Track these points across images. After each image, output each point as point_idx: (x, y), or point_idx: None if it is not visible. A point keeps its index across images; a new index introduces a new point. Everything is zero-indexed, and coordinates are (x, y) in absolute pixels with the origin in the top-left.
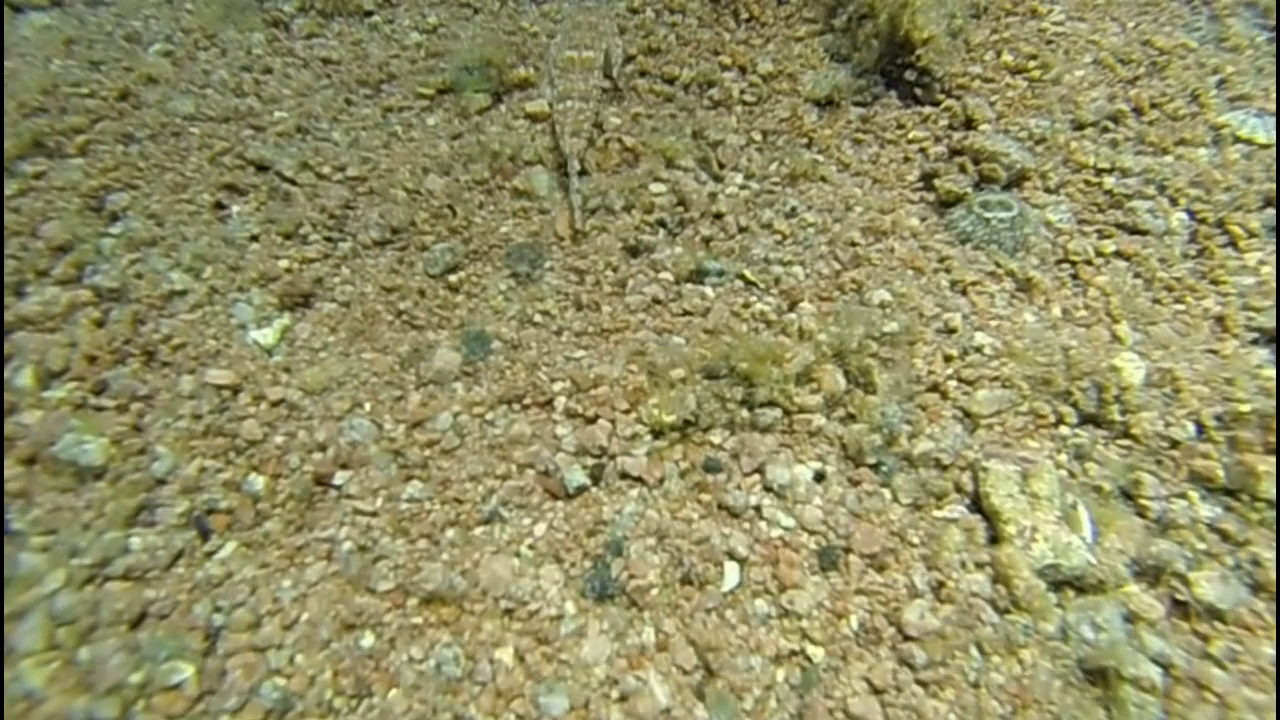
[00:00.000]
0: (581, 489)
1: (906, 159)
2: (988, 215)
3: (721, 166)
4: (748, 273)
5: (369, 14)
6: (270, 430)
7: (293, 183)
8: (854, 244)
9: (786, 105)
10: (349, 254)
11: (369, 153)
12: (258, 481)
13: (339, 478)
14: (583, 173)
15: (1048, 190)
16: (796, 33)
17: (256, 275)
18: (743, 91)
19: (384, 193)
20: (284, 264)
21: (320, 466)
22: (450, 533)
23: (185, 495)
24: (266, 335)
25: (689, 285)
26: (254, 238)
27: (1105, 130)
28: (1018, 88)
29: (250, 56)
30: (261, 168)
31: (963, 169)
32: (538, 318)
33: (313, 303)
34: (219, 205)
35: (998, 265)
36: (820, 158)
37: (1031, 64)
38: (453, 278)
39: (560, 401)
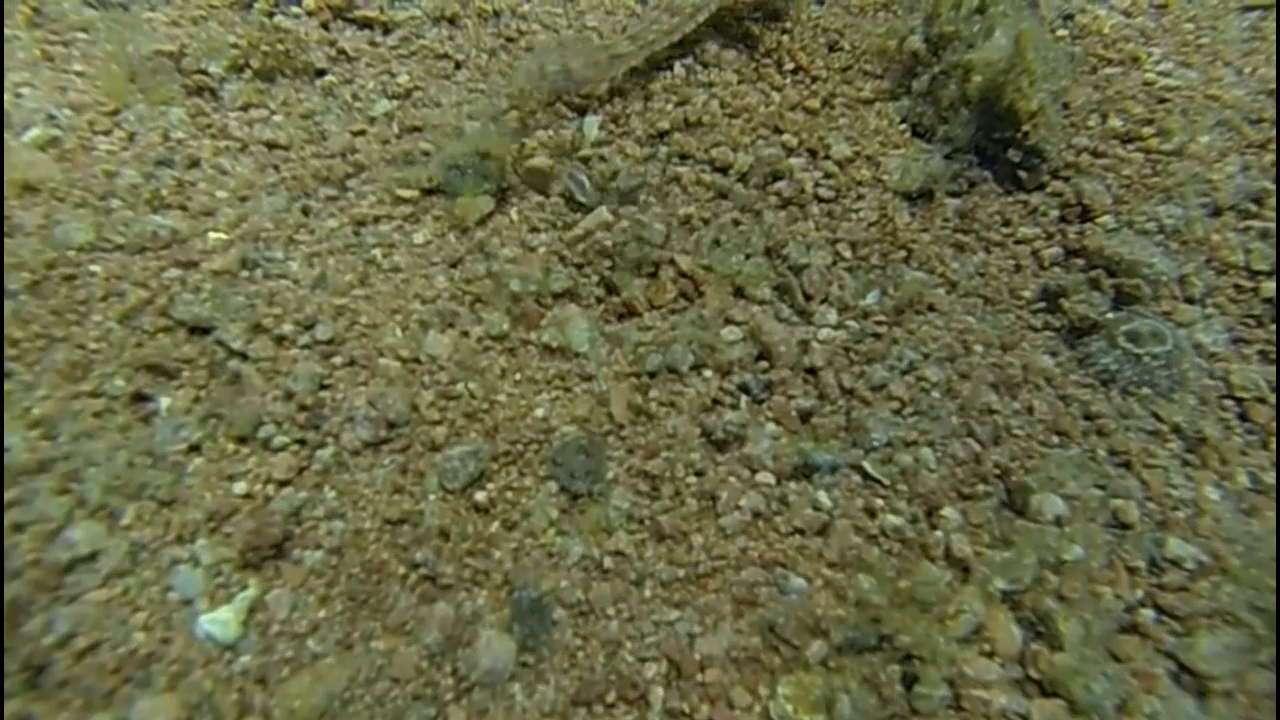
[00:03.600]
0: None
1: (1018, 267)
2: (1139, 351)
3: (808, 298)
4: (867, 465)
5: (321, 73)
6: None
7: (243, 356)
8: (989, 409)
9: (874, 202)
10: (332, 465)
11: (342, 297)
12: None
13: None
14: (631, 315)
15: (1190, 300)
16: (860, 91)
17: (203, 515)
18: (817, 185)
19: (370, 363)
20: (241, 489)
21: None
22: None
23: None
24: (226, 621)
25: (794, 487)
26: (194, 448)
27: (1248, 215)
28: (1134, 163)
29: (168, 143)
30: (197, 331)
31: (1095, 285)
32: (608, 561)
33: (289, 552)
34: (139, 397)
35: (1159, 419)
36: (923, 275)
37: (1147, 130)
38: (480, 495)
39: (656, 696)
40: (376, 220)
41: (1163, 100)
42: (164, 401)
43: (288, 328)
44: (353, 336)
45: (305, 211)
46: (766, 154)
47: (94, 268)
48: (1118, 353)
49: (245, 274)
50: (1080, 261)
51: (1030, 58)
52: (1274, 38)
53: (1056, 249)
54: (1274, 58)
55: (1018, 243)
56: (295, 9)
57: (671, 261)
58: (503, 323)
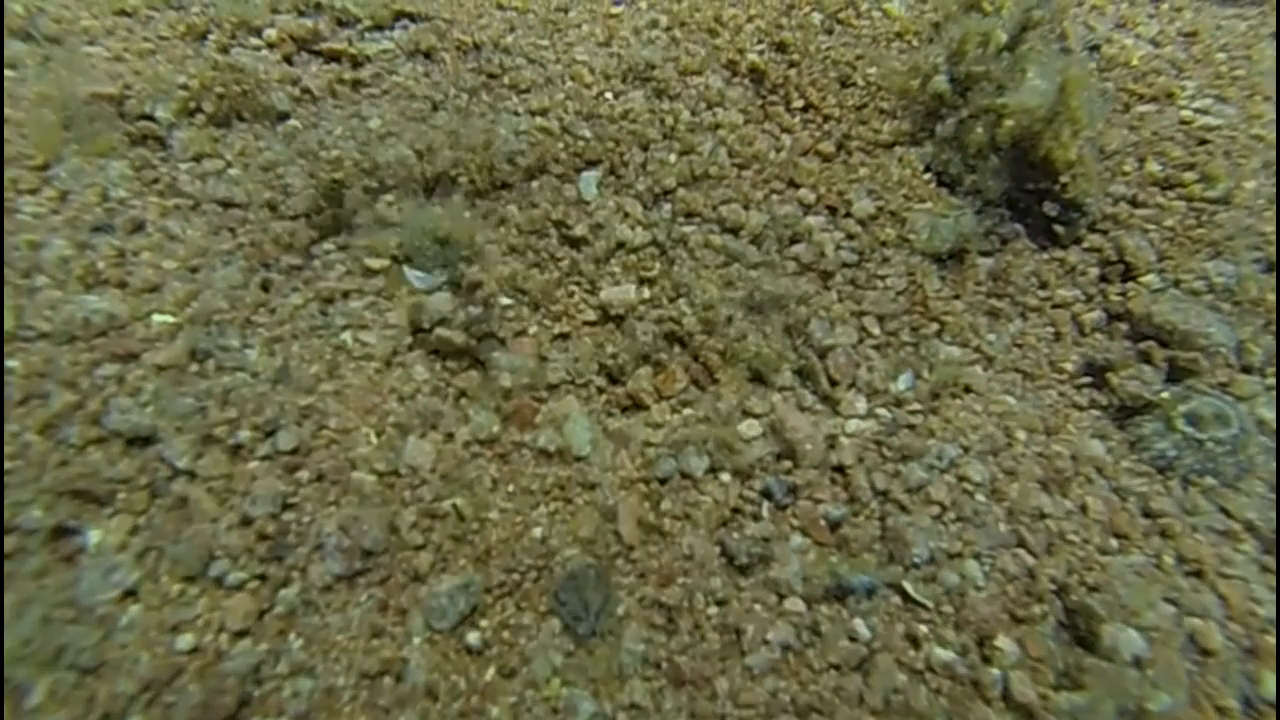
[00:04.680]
0: None
1: (1058, 335)
2: (1200, 436)
3: (834, 383)
4: (907, 585)
5: (283, 116)
6: None
7: (190, 474)
8: (1040, 513)
9: (900, 266)
10: (298, 606)
11: (308, 394)
12: None
13: None
14: (637, 408)
15: (1248, 370)
16: (878, 133)
17: (138, 685)
18: (839, 247)
19: (342, 478)
20: (187, 643)
21: None
22: None
23: None
24: None
25: (827, 613)
26: (129, 593)
27: None
28: (1176, 212)
29: (107, 204)
30: (136, 444)
31: (1146, 358)
32: (622, 718)
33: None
34: (62, 531)
35: (1228, 514)
36: (958, 351)
37: (1188, 176)
38: (473, 636)
39: None
40: (346, 296)
41: (1203, 141)
42: (93, 536)
43: (245, 435)
44: (321, 445)
45: (265, 286)
46: (782, 213)
47: (11, 363)
48: (1176, 437)
49: (195, 367)
50: (1124, 326)
51: (1076, 105)
52: None
53: (1098, 313)
54: None
55: (1055, 306)
56: (255, 41)
57: (681, 343)
58: (492, 423)
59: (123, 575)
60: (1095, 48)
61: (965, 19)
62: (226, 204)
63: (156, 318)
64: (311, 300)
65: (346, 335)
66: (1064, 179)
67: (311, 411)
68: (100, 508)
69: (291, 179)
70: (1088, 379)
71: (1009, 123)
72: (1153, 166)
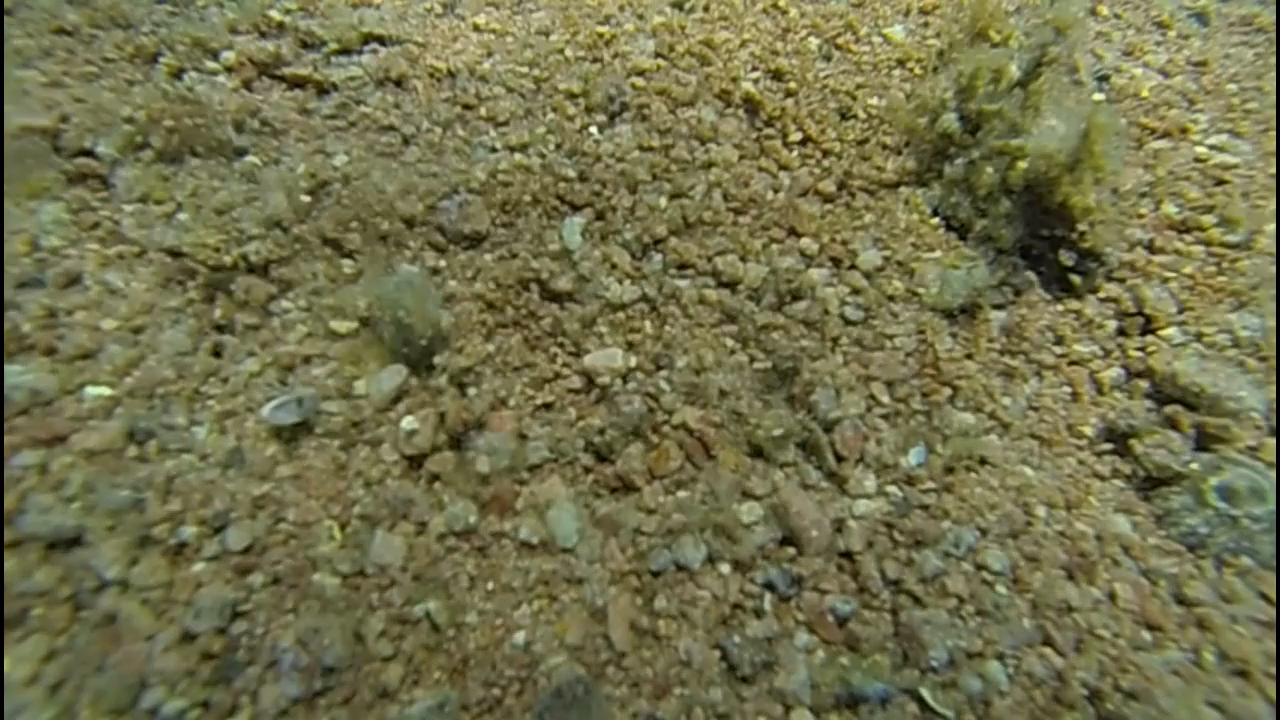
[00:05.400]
0: None
1: (1075, 395)
2: (1235, 513)
3: (840, 459)
4: (925, 692)
5: (240, 152)
6: None
7: (123, 584)
8: (1066, 605)
9: (910, 324)
10: None
11: (263, 481)
12: None
13: None
14: (628, 490)
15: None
16: (881, 171)
17: None
18: (843, 303)
19: (300, 581)
20: None
21: None
22: None
23: None
24: None
25: None
26: None
27: None
28: (1196, 259)
29: (37, 253)
30: (58, 549)
31: (1172, 423)
32: None
33: None
34: None
35: (1270, 601)
36: (972, 418)
37: (1207, 219)
38: None
39: None
40: (308, 361)
41: (1220, 182)
42: None
43: (189, 532)
44: (277, 541)
45: (217, 350)
46: (783, 265)
47: None
48: (1208, 513)
49: (133, 451)
50: (1145, 384)
51: (1100, 152)
52: None
53: (1117, 370)
54: None
55: (1072, 364)
56: (211, 65)
57: (670, 416)
58: (469, 512)
59: (30, 717)
60: (1105, 78)
61: (974, 52)
62: (175, 253)
63: (90, 390)
64: (269, 366)
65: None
66: (1081, 227)
67: (267, 501)
68: (9, 630)
69: (249, 224)
70: (1109, 445)
71: (1022, 165)
72: (1169, 208)
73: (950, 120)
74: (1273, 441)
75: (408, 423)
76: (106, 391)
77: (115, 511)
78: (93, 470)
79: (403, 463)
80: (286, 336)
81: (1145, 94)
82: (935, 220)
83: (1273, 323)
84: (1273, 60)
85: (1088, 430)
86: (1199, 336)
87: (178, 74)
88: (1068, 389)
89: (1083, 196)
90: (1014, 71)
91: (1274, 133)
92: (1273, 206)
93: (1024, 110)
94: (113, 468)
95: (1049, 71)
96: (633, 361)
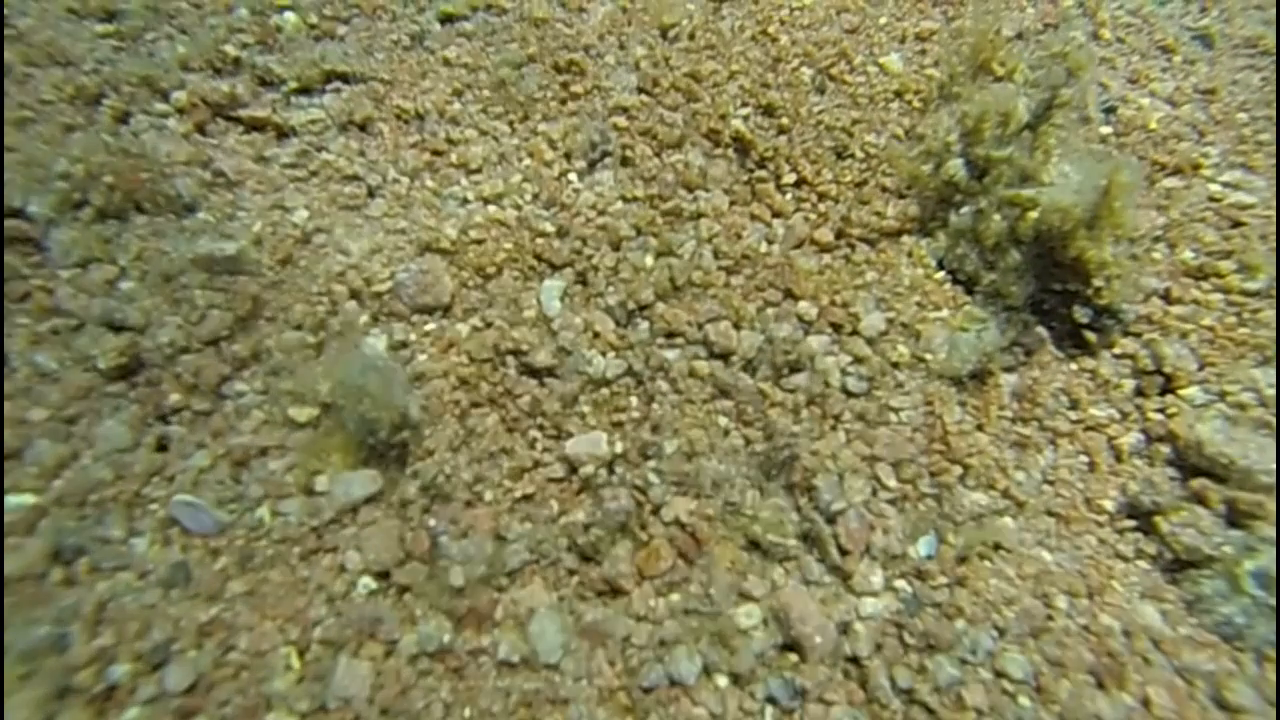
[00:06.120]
0: None
1: (1092, 465)
2: (1274, 602)
3: (844, 553)
4: None
5: (191, 209)
6: None
7: None
8: (1097, 718)
9: (916, 394)
10: None
11: (211, 602)
12: None
13: None
14: (615, 594)
15: None
16: (882, 217)
17: None
18: (845, 373)
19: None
20: None
21: None
22: None
23: None
24: None
25: None
26: None
27: None
28: (1215, 309)
29: None
30: None
31: (1200, 499)
32: None
33: None
34: None
35: None
36: (984, 498)
37: (1224, 265)
38: None
39: None
40: (264, 454)
41: (1237, 223)
42: None
43: (121, 672)
44: (225, 676)
45: (162, 444)
46: (780, 334)
47: None
48: (1244, 601)
49: (58, 574)
50: (1165, 449)
51: (1121, 208)
52: None
53: (1136, 435)
54: None
55: (1089, 429)
56: (160, 106)
57: (658, 510)
58: (443, 631)
59: None
60: (1112, 109)
61: (978, 88)
62: (118, 326)
63: (11, 500)
64: (221, 460)
65: (264, 510)
66: (1097, 282)
67: (216, 627)
68: None
69: (200, 291)
70: (1132, 522)
71: (1033, 215)
72: (1185, 254)
73: (956, 167)
74: None
75: (375, 530)
76: (30, 500)
77: (30, 655)
78: (13, 600)
79: (369, 575)
80: (240, 425)
81: (1154, 126)
82: (940, 274)
83: None
84: None
85: (1107, 504)
86: (1222, 395)
87: (123, 118)
88: (1084, 458)
89: (1099, 250)
90: (1023, 114)
91: None
92: None
93: (1033, 153)
94: (32, 597)
95: (1060, 114)
96: (618, 448)
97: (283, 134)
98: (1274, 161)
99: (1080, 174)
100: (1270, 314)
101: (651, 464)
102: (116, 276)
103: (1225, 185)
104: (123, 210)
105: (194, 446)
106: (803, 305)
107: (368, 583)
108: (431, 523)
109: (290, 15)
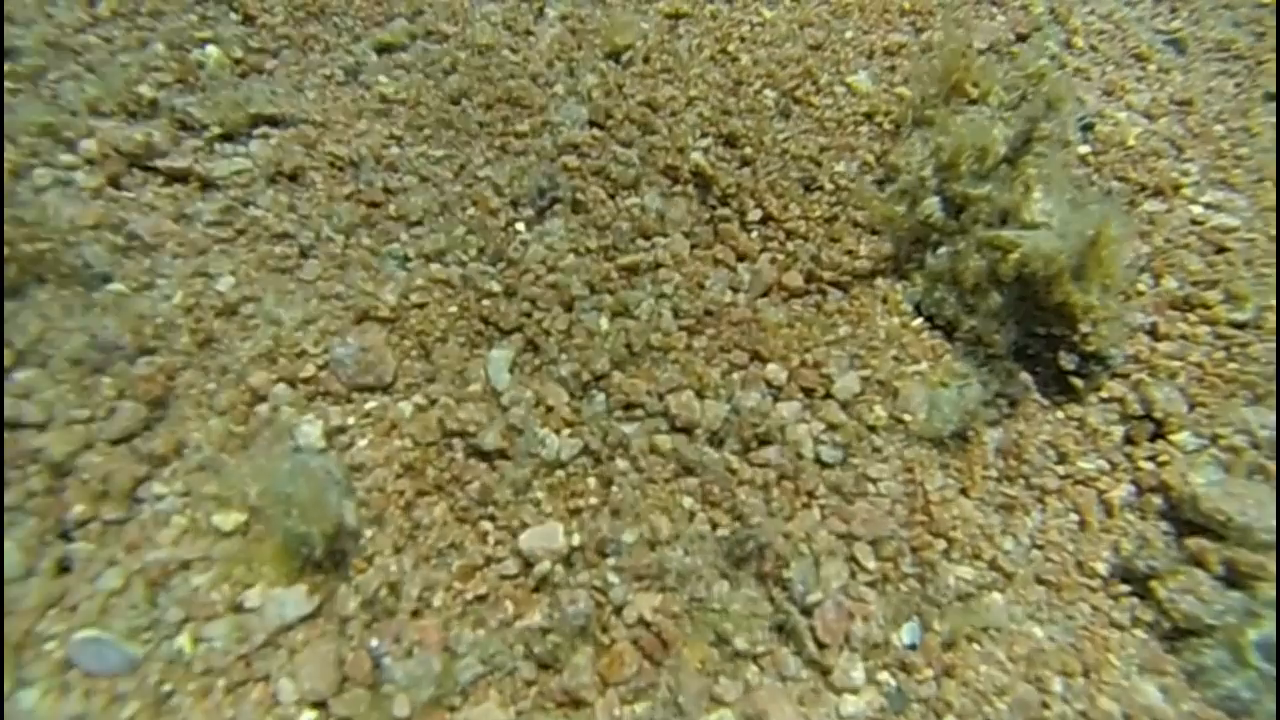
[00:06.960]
0: None
1: (1083, 523)
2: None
3: (822, 645)
4: None
5: (105, 279)
6: None
7: None
8: None
9: (895, 461)
10: None
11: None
12: None
13: None
14: (577, 706)
15: None
16: (855, 257)
17: None
18: (818, 443)
19: None
20: None
21: None
22: None
23: None
24: None
25: None
26: None
27: None
28: (1203, 343)
29: None
30: None
31: (1198, 561)
32: None
33: None
34: None
35: None
36: (970, 572)
37: (1211, 295)
38: None
39: None
40: (185, 568)
41: (1221, 249)
42: None
43: None
44: None
45: (64, 566)
46: (747, 404)
47: None
48: (1250, 674)
49: None
50: (1158, 500)
51: (1107, 255)
52: None
53: (1126, 487)
54: None
55: (1078, 483)
56: (67, 158)
57: (620, 610)
58: None
59: None
60: (1089, 126)
61: (951, 114)
62: (12, 424)
63: None
64: (135, 579)
65: (184, 638)
66: (1084, 328)
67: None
68: None
69: (105, 383)
70: (1126, 587)
71: (1014, 257)
72: (1170, 284)
73: (932, 206)
74: None
75: (310, 654)
76: None
77: None
78: None
79: (305, 705)
80: (158, 536)
81: (1131, 142)
82: (918, 321)
83: None
84: (1256, 92)
85: (1100, 567)
86: (1214, 439)
87: (21, 173)
88: (1074, 516)
89: (1084, 295)
90: (1000, 147)
91: (1268, 184)
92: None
93: (1013, 187)
94: None
95: (1040, 145)
96: (576, 540)
97: (206, 186)
98: (1254, 178)
99: (1063, 212)
100: (1259, 348)
101: (611, 560)
102: (13, 364)
103: (1207, 207)
104: (20, 285)
105: (103, 564)
106: (771, 368)
107: (306, 716)
108: (374, 642)
109: (212, 49)
